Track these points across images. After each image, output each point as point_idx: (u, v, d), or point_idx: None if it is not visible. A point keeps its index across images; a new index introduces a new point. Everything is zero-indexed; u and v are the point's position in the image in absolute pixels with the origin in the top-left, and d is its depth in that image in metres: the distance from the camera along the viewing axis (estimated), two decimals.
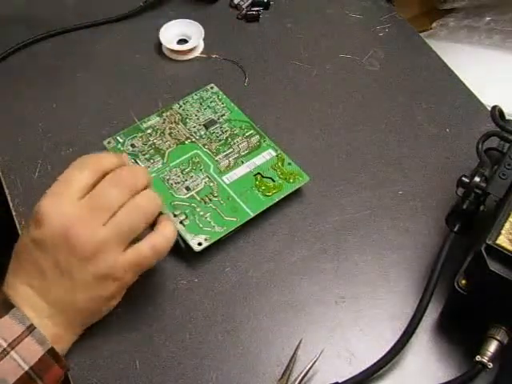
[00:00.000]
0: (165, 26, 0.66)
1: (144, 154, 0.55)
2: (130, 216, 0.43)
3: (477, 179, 0.47)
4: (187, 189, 0.53)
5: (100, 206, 0.42)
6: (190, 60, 0.66)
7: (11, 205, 0.53)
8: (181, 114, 0.59)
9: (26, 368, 0.40)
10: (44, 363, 0.41)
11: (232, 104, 0.60)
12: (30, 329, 0.41)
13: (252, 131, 0.58)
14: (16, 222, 0.52)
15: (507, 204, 0.43)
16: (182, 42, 0.67)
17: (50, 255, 0.42)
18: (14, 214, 0.53)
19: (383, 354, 0.45)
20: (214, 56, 0.66)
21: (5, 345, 0.40)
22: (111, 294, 0.44)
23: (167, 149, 0.56)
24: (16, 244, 0.44)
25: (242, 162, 0.55)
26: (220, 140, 0.57)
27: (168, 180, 0.54)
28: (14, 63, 0.65)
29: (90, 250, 0.42)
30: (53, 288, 0.42)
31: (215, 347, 0.47)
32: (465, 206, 0.48)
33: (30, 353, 0.40)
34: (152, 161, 0.55)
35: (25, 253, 0.43)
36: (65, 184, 0.43)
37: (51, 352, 0.41)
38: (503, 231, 0.41)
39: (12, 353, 0.40)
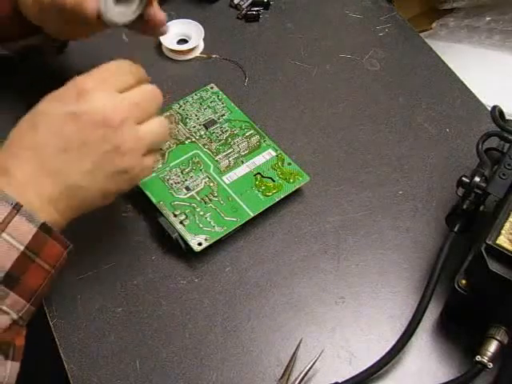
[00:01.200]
0: None
1: None
2: (160, 128, 0.45)
3: (477, 179, 0.47)
4: (187, 189, 0.53)
5: (141, 106, 0.43)
6: (189, 60, 0.66)
7: None
8: (181, 114, 0.59)
9: (22, 248, 0.38)
10: (39, 240, 0.39)
11: (232, 104, 0.60)
12: (17, 207, 0.38)
13: (252, 131, 0.58)
14: None
15: (507, 204, 0.43)
16: (182, 41, 0.67)
17: (84, 132, 0.40)
18: None
19: (383, 354, 0.45)
20: (213, 56, 0.66)
21: None
22: (118, 190, 0.44)
23: (167, 149, 0.56)
24: (32, 113, 0.41)
25: (242, 162, 0.55)
26: (220, 140, 0.57)
27: (168, 180, 0.54)
28: (15, 66, 0.64)
29: (126, 143, 0.41)
30: (70, 166, 0.41)
31: (215, 347, 0.47)
32: (465, 206, 0.48)
33: (21, 232, 0.38)
34: None
35: (52, 124, 0.41)
36: (110, 73, 0.43)
37: (43, 227, 0.39)
38: (503, 231, 0.41)
39: (3, 235, 0.37)
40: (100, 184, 0.42)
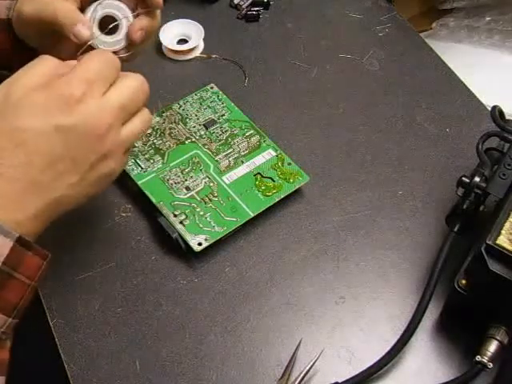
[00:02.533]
0: (165, 26, 0.66)
1: (144, 154, 0.55)
2: (141, 127, 0.43)
3: (477, 179, 0.47)
4: (187, 189, 0.53)
5: (128, 108, 0.42)
6: (189, 60, 0.66)
7: None
8: (181, 114, 0.59)
9: None
10: (16, 254, 0.37)
11: (232, 104, 0.60)
12: None
13: (252, 131, 0.58)
14: None
15: (507, 204, 0.43)
16: (182, 41, 0.67)
17: (72, 146, 0.39)
18: None
19: (383, 354, 0.45)
20: (213, 56, 0.66)
21: None
22: (101, 191, 0.43)
23: (167, 149, 0.56)
24: (15, 129, 0.38)
25: (242, 162, 0.55)
26: (220, 140, 0.57)
27: (168, 180, 0.54)
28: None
29: (110, 150, 0.41)
30: (56, 181, 0.39)
31: (215, 347, 0.47)
32: (465, 206, 0.48)
33: None
34: (152, 161, 0.55)
35: (40, 141, 0.38)
36: (94, 73, 0.41)
37: (21, 241, 0.37)
38: (503, 231, 0.41)
39: None
40: (86, 191, 0.42)
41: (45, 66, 0.41)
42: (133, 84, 0.42)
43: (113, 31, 0.48)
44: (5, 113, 0.39)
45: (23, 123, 0.38)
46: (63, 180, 0.40)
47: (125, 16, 0.48)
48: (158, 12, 0.49)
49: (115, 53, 0.48)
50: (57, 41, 0.48)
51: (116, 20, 0.48)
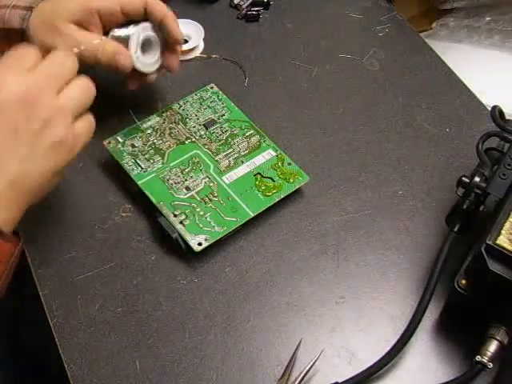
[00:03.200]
0: None
1: (144, 154, 0.55)
2: (80, 91, 0.44)
3: (477, 179, 0.47)
4: (187, 189, 0.53)
5: (54, 74, 0.43)
6: (189, 60, 0.66)
7: None
8: (181, 114, 0.59)
9: None
10: None
11: (232, 104, 0.60)
12: None
13: (252, 131, 0.58)
14: None
15: (507, 204, 0.43)
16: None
17: (9, 120, 0.41)
18: None
19: (383, 354, 0.45)
20: (213, 56, 0.66)
21: None
22: (60, 165, 0.43)
23: (167, 149, 0.56)
24: None
25: (242, 162, 0.55)
26: (220, 140, 0.57)
27: (168, 180, 0.54)
28: None
29: (49, 115, 0.41)
30: (6, 158, 0.41)
31: (215, 347, 0.47)
32: (465, 206, 0.48)
33: None
34: (152, 161, 0.55)
35: None
36: (13, 58, 0.43)
37: None
38: (503, 231, 0.41)
39: None
40: (41, 164, 0.42)
41: None
42: (54, 56, 0.44)
43: (147, 52, 0.54)
44: None
45: None
46: (11, 156, 0.41)
47: (158, 39, 0.54)
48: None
49: (146, 74, 0.55)
50: None
51: (150, 42, 0.54)
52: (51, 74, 0.43)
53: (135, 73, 0.54)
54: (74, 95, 0.44)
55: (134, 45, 0.52)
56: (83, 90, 0.45)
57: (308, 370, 0.45)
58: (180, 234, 0.50)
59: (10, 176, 0.41)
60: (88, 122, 0.45)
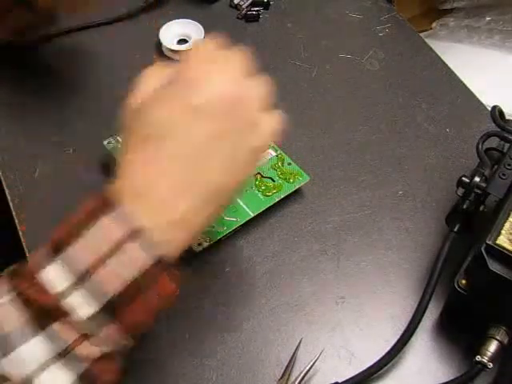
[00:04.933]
0: (165, 26, 0.66)
1: None
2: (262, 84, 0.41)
3: (477, 179, 0.47)
4: None
5: (258, 91, 0.40)
6: None
7: (11, 205, 0.53)
8: None
9: (132, 276, 0.33)
10: (153, 272, 0.34)
11: None
12: (137, 234, 0.33)
13: None
14: (16, 221, 0.52)
15: (507, 204, 0.43)
16: (182, 42, 0.67)
17: (210, 124, 0.35)
18: (13, 213, 0.53)
19: (383, 354, 0.45)
20: None
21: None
22: (248, 175, 0.38)
23: None
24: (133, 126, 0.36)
25: None
26: None
27: None
28: (13, 63, 0.64)
29: (253, 120, 0.37)
30: (208, 170, 0.36)
31: (215, 347, 0.47)
32: (465, 206, 0.48)
33: (136, 260, 0.33)
34: None
35: (178, 133, 0.35)
36: (212, 56, 0.41)
37: (160, 261, 0.34)
38: (503, 231, 0.41)
39: (113, 259, 0.33)
40: (240, 176, 0.37)
41: (154, 77, 0.40)
42: (234, 53, 0.42)
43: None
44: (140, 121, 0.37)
45: (152, 121, 0.36)
46: (212, 164, 0.36)
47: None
48: None
49: None
50: None
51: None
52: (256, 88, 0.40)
53: None
54: (261, 86, 0.40)
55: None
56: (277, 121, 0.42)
57: (308, 370, 0.44)
58: None
59: (202, 196, 0.36)
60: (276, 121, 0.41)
